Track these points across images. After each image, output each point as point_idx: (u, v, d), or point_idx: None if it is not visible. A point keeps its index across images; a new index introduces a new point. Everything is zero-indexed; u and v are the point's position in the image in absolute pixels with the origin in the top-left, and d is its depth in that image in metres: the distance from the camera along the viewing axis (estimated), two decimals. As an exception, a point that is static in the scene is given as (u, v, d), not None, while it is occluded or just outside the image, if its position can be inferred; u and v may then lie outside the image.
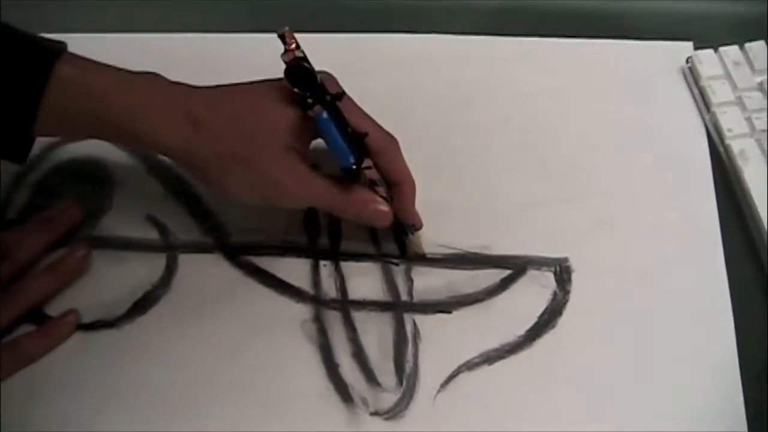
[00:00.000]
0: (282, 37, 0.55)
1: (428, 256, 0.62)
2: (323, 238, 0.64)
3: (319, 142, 0.58)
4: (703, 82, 0.69)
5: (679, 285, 0.61)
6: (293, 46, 0.55)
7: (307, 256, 0.63)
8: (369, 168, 0.58)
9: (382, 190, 0.59)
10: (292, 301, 0.61)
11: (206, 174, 0.58)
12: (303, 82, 0.55)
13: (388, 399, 0.57)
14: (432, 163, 0.66)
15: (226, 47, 0.74)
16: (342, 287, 0.61)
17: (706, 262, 0.62)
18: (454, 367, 0.57)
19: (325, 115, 0.55)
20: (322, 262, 0.63)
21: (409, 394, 0.57)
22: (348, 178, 0.58)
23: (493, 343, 0.58)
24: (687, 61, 0.71)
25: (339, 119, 0.56)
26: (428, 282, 0.61)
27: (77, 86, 0.56)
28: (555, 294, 0.60)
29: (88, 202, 0.66)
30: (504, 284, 0.61)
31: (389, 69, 0.73)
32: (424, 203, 0.63)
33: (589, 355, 0.58)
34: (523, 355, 0.58)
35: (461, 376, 0.57)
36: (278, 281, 0.62)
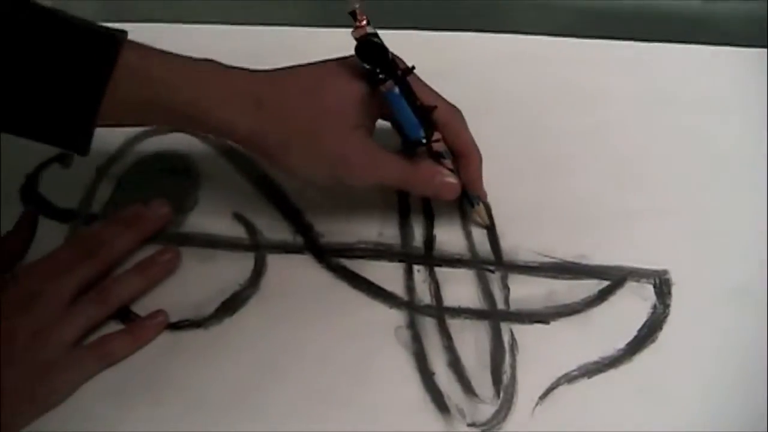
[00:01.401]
0: (353, 14, 0.55)
1: (526, 264, 0.61)
2: (417, 241, 0.63)
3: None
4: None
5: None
6: (364, 22, 0.55)
7: (400, 260, 0.62)
8: (437, 141, 0.59)
9: (448, 162, 0.60)
10: (385, 306, 0.60)
11: (272, 154, 0.58)
12: (374, 58, 0.56)
13: (486, 411, 0.55)
14: (524, 168, 0.66)
15: (311, 41, 0.72)
16: (437, 293, 0.60)
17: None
18: (553, 379, 0.56)
19: (397, 90, 0.56)
20: (415, 267, 0.62)
21: (507, 406, 0.55)
22: (413, 153, 0.59)
23: (593, 355, 0.57)
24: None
25: (409, 94, 0.57)
26: (525, 290, 0.60)
27: (141, 73, 0.56)
28: (655, 307, 0.59)
29: (173, 197, 0.66)
30: (602, 295, 0.60)
31: (476, 68, 0.73)
32: (518, 209, 0.63)
33: (690, 370, 0.57)
34: (623, 369, 0.57)
35: (560, 389, 0.56)
36: (371, 285, 0.61)
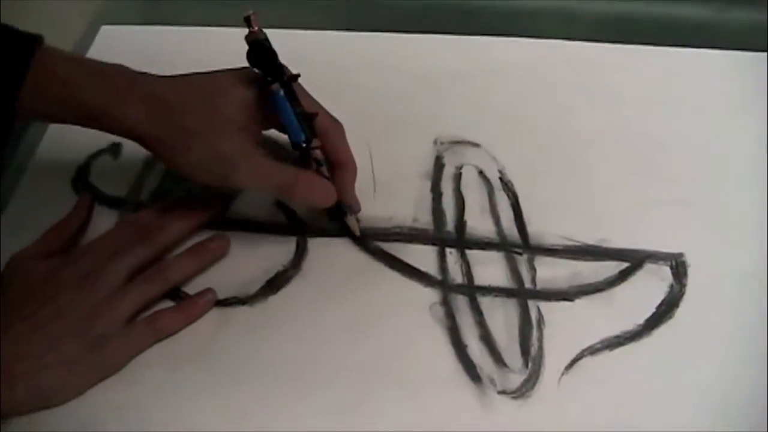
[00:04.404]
0: (247, 20, 0.60)
1: (551, 247, 0.65)
2: (449, 226, 0.67)
3: (270, 132, 0.63)
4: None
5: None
6: (257, 28, 0.60)
7: (433, 244, 0.66)
8: (316, 148, 0.62)
9: (325, 170, 0.63)
10: (420, 285, 0.64)
11: (165, 154, 0.61)
12: (263, 61, 0.60)
13: (515, 379, 0.59)
14: (550, 162, 0.70)
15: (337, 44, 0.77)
16: (468, 273, 0.64)
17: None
18: (578, 351, 0.60)
19: (281, 92, 0.59)
20: (448, 250, 0.65)
21: (535, 376, 0.59)
22: (296, 159, 0.62)
23: (614, 330, 0.60)
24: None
25: (293, 99, 0.60)
26: (551, 272, 0.64)
27: (54, 74, 0.61)
28: (672, 287, 0.63)
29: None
30: (623, 276, 0.63)
31: (505, 71, 0.77)
32: (544, 199, 0.67)
33: (704, 345, 0.60)
34: (642, 343, 0.60)
35: (584, 360, 0.59)
36: (406, 266, 0.64)
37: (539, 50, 0.78)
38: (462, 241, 0.66)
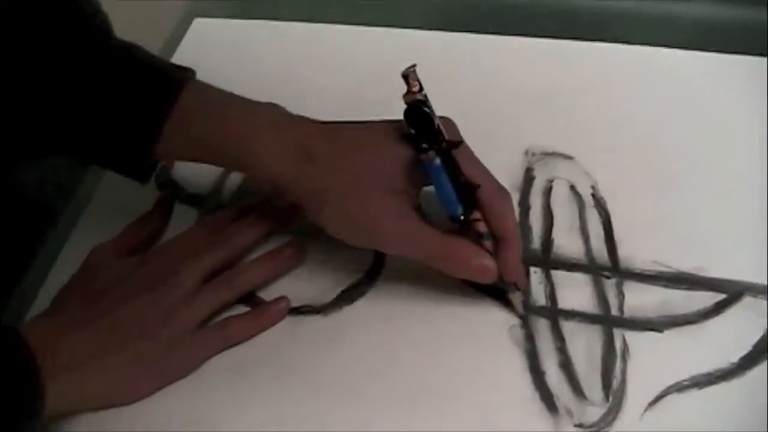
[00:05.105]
0: (405, 78, 0.55)
1: (642, 272, 0.62)
2: (534, 243, 0.64)
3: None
4: None
5: None
6: (416, 88, 0.55)
7: (517, 262, 0.63)
8: (478, 220, 0.57)
9: (488, 244, 0.58)
10: (499, 304, 0.61)
11: (307, 206, 0.59)
12: (420, 125, 0.55)
13: (594, 413, 0.56)
14: (647, 180, 0.67)
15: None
16: (552, 295, 0.61)
17: None
18: (663, 387, 0.56)
19: (438, 161, 0.54)
20: (532, 269, 0.63)
21: (616, 410, 0.56)
22: (453, 228, 0.57)
23: (705, 367, 0.57)
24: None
25: (452, 167, 0.55)
26: (640, 298, 0.60)
27: (198, 116, 0.59)
28: (772, 323, 0.58)
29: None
30: (718, 308, 0.60)
31: (595, 79, 0.75)
32: (637, 218, 0.64)
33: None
34: (735, 384, 0.56)
35: (670, 398, 0.56)
36: (486, 285, 0.61)
37: (638, 58, 0.75)
38: (548, 260, 0.63)
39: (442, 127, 0.56)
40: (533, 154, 0.69)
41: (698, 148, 0.69)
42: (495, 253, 0.58)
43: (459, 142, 0.57)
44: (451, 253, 0.57)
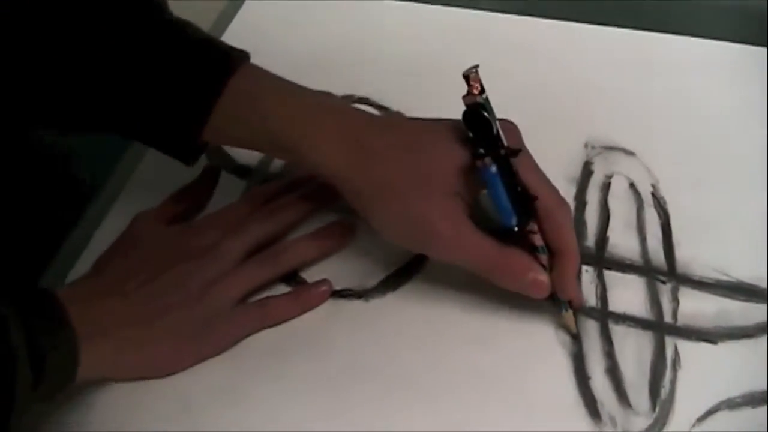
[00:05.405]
0: (466, 78, 0.52)
1: (700, 279, 0.59)
2: (589, 241, 0.62)
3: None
4: None
5: None
6: (477, 90, 0.52)
7: (569, 259, 0.60)
8: (534, 233, 0.54)
9: (543, 258, 0.55)
10: (548, 302, 0.58)
11: (359, 202, 0.57)
12: (478, 130, 0.52)
13: (639, 423, 0.54)
14: (713, 181, 0.64)
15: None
16: (603, 296, 0.59)
17: None
18: (714, 402, 0.54)
19: (494, 169, 0.52)
20: (584, 267, 0.60)
21: (662, 422, 0.53)
22: (507, 239, 0.54)
23: (760, 385, 0.54)
24: None
25: (509, 175, 0.53)
26: (696, 306, 0.58)
27: (249, 100, 0.57)
28: (836, 343, 0.55)
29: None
30: (778, 323, 0.56)
31: (668, 72, 0.72)
32: (699, 218, 0.61)
33: None
34: (791, 405, 0.53)
35: (720, 414, 0.53)
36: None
37: (715, 52, 0.71)
38: (601, 259, 0.61)
39: (501, 133, 0.53)
40: (593, 147, 0.67)
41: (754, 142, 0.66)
42: (550, 268, 0.55)
43: (518, 150, 0.54)
44: (504, 264, 0.55)
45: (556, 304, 0.57)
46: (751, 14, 0.73)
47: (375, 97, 0.71)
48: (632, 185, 0.64)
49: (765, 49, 0.72)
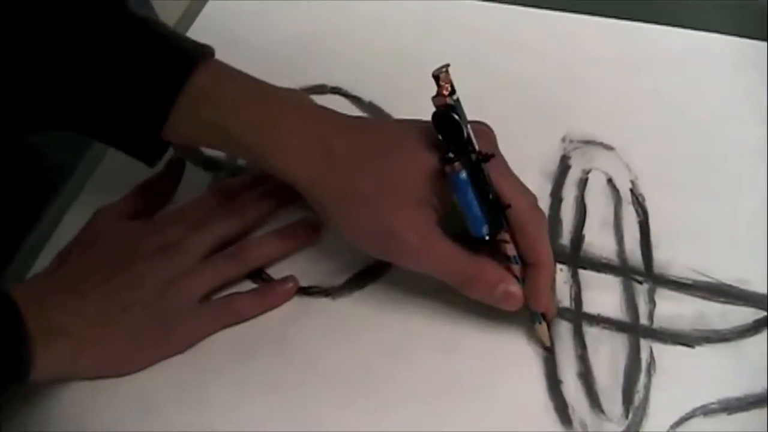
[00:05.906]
0: (436, 78, 0.49)
1: (678, 280, 0.57)
2: (564, 239, 0.60)
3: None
4: None
5: None
6: (447, 91, 0.49)
7: (542, 258, 0.58)
8: (506, 242, 0.52)
9: (516, 268, 0.53)
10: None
11: (324, 212, 0.55)
12: (448, 133, 0.50)
13: (610, 429, 0.52)
14: (694, 179, 0.62)
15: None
16: (577, 297, 0.57)
17: None
18: (689, 409, 0.52)
19: (464, 174, 0.49)
20: (559, 266, 0.58)
21: (635, 429, 0.52)
22: (480, 245, 0.52)
23: (737, 390, 0.52)
24: None
25: (481, 182, 0.50)
26: (673, 308, 0.56)
27: (211, 98, 0.55)
28: (816, 347, 0.53)
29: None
30: (757, 326, 0.55)
31: (652, 64, 0.69)
32: (678, 219, 0.59)
33: None
34: (768, 412, 0.52)
35: (695, 420, 0.52)
36: (509, 277, 0.57)
37: (698, 43, 0.69)
38: (576, 258, 0.59)
39: (473, 137, 0.51)
40: (571, 141, 0.65)
41: (758, 147, 0.63)
42: (523, 279, 0.53)
43: (491, 155, 0.51)
44: (474, 276, 0.53)
45: (530, 313, 0.55)
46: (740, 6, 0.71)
47: (347, 88, 0.69)
48: (610, 181, 0.62)
49: (762, 42, 0.70)
